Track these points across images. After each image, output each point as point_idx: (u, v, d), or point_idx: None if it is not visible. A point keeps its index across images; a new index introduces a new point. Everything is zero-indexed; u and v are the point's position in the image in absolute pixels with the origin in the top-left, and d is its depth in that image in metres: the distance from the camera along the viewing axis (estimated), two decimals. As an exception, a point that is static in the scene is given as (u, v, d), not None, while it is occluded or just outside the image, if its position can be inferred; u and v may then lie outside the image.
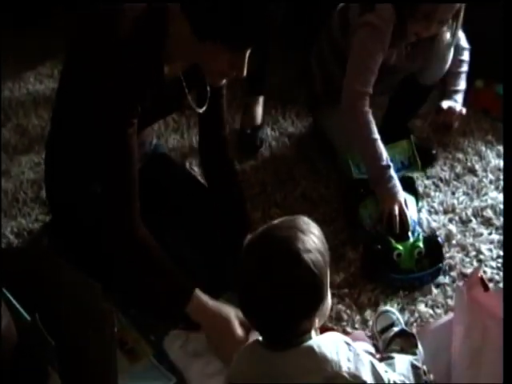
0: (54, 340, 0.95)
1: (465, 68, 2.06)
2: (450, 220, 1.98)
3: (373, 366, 1.13)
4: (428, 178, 2.14)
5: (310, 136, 2.32)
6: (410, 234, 1.77)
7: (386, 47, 1.84)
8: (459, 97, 2.02)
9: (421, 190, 2.09)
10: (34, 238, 1.84)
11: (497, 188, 2.08)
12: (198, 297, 1.41)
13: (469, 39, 2.08)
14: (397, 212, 1.78)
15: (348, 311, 1.68)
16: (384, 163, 1.82)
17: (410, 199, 1.91)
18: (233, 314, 1.42)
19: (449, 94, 2.01)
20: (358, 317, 1.67)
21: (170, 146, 2.27)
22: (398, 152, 1.98)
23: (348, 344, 1.12)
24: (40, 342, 0.94)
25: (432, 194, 2.08)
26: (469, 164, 2.19)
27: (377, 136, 1.83)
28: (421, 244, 1.74)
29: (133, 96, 1.32)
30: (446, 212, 2.01)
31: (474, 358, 1.37)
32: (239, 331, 1.40)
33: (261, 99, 2.34)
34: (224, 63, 1.33)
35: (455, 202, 2.04)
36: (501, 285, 1.74)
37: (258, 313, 1.10)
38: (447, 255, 1.85)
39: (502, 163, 2.18)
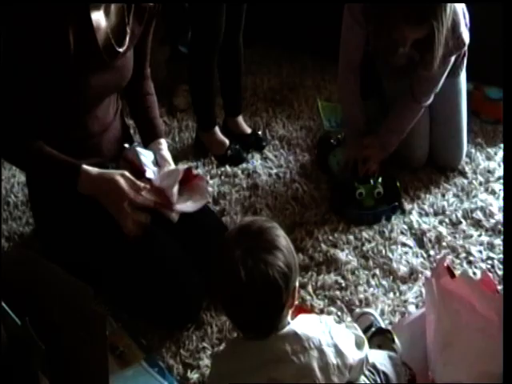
0: (45, 344, 0.95)
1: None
2: (441, 222, 1.99)
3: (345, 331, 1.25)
4: (419, 180, 2.15)
5: (300, 138, 2.34)
6: (371, 178, 2.02)
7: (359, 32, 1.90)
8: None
9: (411, 192, 2.10)
10: (25, 242, 1.84)
11: (486, 190, 2.10)
12: (85, 170, 1.51)
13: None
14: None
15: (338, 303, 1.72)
16: (357, 127, 2.08)
17: None
18: (116, 173, 1.52)
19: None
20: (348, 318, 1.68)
21: (162, 149, 2.27)
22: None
23: (321, 321, 1.22)
24: (30, 347, 0.94)
25: (422, 196, 2.10)
26: (459, 166, 2.20)
27: (355, 99, 2.05)
28: (380, 186, 2.00)
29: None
30: (436, 214, 2.03)
31: (447, 341, 1.44)
32: (124, 185, 1.50)
33: (240, 117, 2.35)
34: None
35: (445, 204, 2.06)
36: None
37: (233, 309, 1.16)
38: (438, 257, 1.86)
39: (491, 165, 2.19)
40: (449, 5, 1.71)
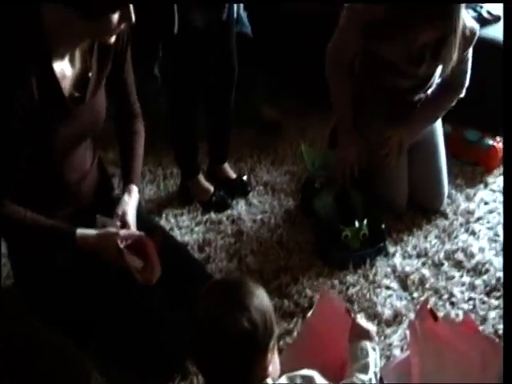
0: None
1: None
2: (423, 264, 2.02)
3: None
4: (402, 222, 2.19)
5: (285, 183, 2.38)
6: (356, 220, 2.06)
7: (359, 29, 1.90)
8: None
9: (394, 235, 2.13)
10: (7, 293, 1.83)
11: (467, 230, 2.14)
12: (81, 236, 1.49)
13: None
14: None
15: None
16: (348, 121, 2.09)
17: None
18: (110, 229, 1.52)
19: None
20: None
21: (146, 198, 2.30)
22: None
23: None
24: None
25: (405, 238, 2.13)
26: (440, 207, 2.24)
27: (347, 97, 2.07)
28: (365, 228, 2.03)
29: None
30: (419, 256, 2.06)
31: (431, 383, 1.47)
32: (113, 239, 1.50)
33: (225, 164, 2.39)
34: (110, 24, 1.36)
35: (428, 245, 2.09)
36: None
37: (197, 362, 1.18)
38: (421, 299, 1.88)
39: (471, 206, 2.24)
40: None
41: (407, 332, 1.76)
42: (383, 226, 2.09)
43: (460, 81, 2.08)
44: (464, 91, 2.11)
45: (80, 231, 1.49)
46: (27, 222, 1.46)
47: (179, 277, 1.67)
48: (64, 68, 1.46)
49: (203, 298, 1.16)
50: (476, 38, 1.97)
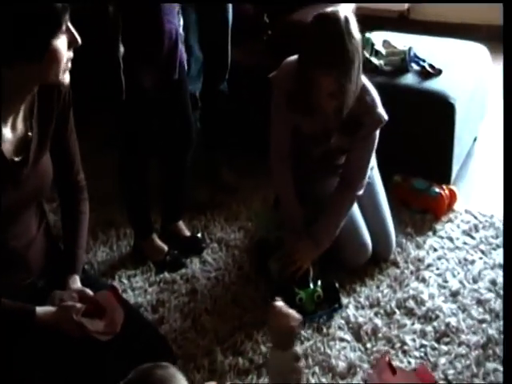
0: None
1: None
2: (376, 314, 2.04)
3: None
4: (354, 273, 2.22)
5: (238, 240, 2.39)
6: (311, 282, 2.06)
7: (284, 107, 1.98)
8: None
9: (347, 286, 2.15)
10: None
11: (417, 278, 2.17)
12: (39, 317, 1.48)
13: (389, 137, 2.14)
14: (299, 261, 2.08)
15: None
16: (296, 225, 2.11)
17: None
18: (66, 304, 1.51)
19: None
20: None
21: (99, 260, 2.30)
22: None
23: None
24: None
25: (358, 289, 2.15)
26: (391, 256, 2.28)
27: (293, 195, 2.12)
28: (319, 289, 2.04)
29: None
30: (371, 306, 2.08)
31: None
32: (69, 314, 1.49)
33: (180, 222, 2.40)
34: (60, 54, 1.37)
35: (380, 295, 2.11)
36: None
37: None
38: (374, 349, 1.90)
39: (420, 253, 2.28)
40: (356, 64, 1.84)
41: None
42: (337, 285, 2.09)
43: (358, 177, 2.07)
44: (362, 189, 2.08)
45: (39, 310, 1.47)
46: None
47: (130, 342, 1.65)
48: (6, 133, 1.44)
49: None
50: (382, 125, 2.00)
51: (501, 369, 1.80)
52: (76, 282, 1.65)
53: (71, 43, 1.42)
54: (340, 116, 1.94)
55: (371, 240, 2.21)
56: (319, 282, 2.06)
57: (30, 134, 1.49)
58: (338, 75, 1.82)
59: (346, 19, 1.81)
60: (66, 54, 1.41)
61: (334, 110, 1.92)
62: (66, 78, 1.46)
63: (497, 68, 3.21)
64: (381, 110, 2.00)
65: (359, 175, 2.07)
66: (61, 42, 1.39)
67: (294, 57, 1.98)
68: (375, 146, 2.06)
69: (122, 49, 2.02)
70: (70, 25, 1.41)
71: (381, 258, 2.26)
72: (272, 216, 2.32)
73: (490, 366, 1.82)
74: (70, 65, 1.46)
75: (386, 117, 2.00)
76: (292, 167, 2.13)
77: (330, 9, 1.87)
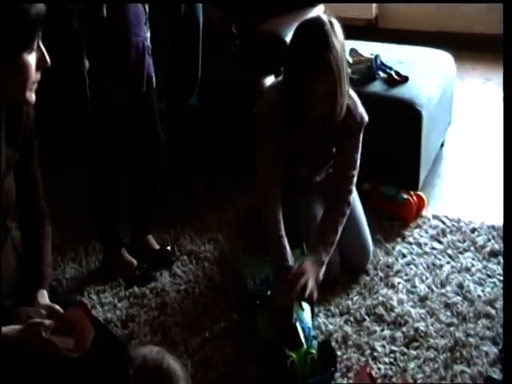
0: None
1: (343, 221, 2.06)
2: (346, 321, 2.05)
3: None
4: (323, 282, 2.22)
5: (208, 251, 2.39)
6: (303, 340, 1.82)
7: (273, 135, 1.98)
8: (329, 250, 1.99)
9: (316, 294, 2.15)
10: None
11: (386, 285, 2.18)
12: (5, 333, 1.44)
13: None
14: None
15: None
16: (286, 263, 1.94)
17: (306, 306, 1.96)
18: (34, 321, 1.47)
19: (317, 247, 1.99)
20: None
21: (67, 276, 2.28)
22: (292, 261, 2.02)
23: None
24: None
25: (328, 297, 2.15)
26: (366, 265, 2.26)
27: (281, 234, 1.96)
28: (314, 350, 1.80)
29: None
30: (341, 314, 2.08)
31: None
32: (37, 332, 1.46)
33: (149, 236, 2.39)
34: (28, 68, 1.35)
35: (350, 302, 2.12)
36: (394, 379, 1.81)
37: None
38: (344, 357, 1.90)
39: (389, 260, 2.29)
40: (343, 66, 1.86)
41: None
42: (333, 345, 1.91)
43: (345, 197, 2.05)
44: (349, 196, 2.06)
45: (5, 329, 1.45)
46: None
47: (100, 359, 1.64)
48: None
49: None
50: (364, 126, 2.03)
51: (468, 371, 1.82)
52: (44, 298, 1.63)
53: (40, 64, 1.40)
54: (334, 121, 1.93)
55: (347, 250, 2.18)
56: (314, 342, 1.86)
57: None
58: (330, 80, 1.83)
59: (331, 23, 1.85)
60: (34, 73, 1.39)
61: (327, 115, 1.92)
62: (32, 97, 1.44)
63: (461, 75, 3.27)
64: (362, 110, 2.04)
65: (347, 181, 2.05)
66: (31, 58, 1.37)
67: (272, 82, 2.01)
68: (359, 151, 2.05)
69: (87, 63, 2.02)
70: (41, 44, 1.39)
71: (357, 267, 2.24)
72: (259, 265, 2.09)
73: (458, 368, 1.84)
74: (36, 86, 1.43)
75: (366, 117, 2.03)
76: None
77: (311, 16, 1.88)
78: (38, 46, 1.39)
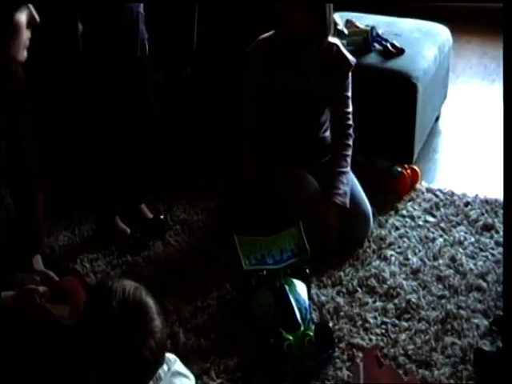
0: None
1: (349, 152, 2.26)
2: (338, 292, 2.06)
3: None
4: (315, 253, 2.22)
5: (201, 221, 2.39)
6: (300, 321, 1.80)
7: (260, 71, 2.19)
8: (346, 180, 2.20)
9: (311, 266, 2.15)
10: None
11: (379, 257, 2.19)
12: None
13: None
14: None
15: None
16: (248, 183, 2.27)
17: (302, 286, 1.95)
18: (28, 287, 1.51)
19: (334, 182, 2.18)
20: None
21: (60, 244, 2.27)
22: (288, 240, 2.00)
23: None
24: None
25: (321, 268, 2.16)
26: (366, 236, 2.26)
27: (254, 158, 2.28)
28: (311, 332, 1.77)
29: None
30: (334, 285, 2.09)
31: None
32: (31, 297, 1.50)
33: (143, 205, 2.38)
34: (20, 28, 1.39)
35: (342, 274, 2.13)
36: (385, 350, 1.82)
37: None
38: (336, 327, 1.91)
39: (383, 232, 2.30)
40: None
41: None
42: (330, 325, 1.90)
43: (347, 121, 2.27)
44: (351, 140, 2.27)
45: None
46: None
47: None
48: None
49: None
50: (352, 67, 2.23)
51: (458, 342, 1.84)
52: (39, 264, 1.64)
53: (30, 21, 1.43)
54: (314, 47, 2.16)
55: (349, 219, 2.17)
56: (311, 323, 1.86)
57: None
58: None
59: None
60: (25, 31, 1.43)
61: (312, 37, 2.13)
62: (23, 54, 1.48)
63: (458, 48, 3.25)
64: (349, 55, 2.23)
65: (348, 119, 2.25)
66: (22, 17, 1.41)
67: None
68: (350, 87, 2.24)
69: (80, 27, 2.00)
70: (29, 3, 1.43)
71: (359, 238, 2.23)
72: (256, 245, 1.99)
73: (448, 340, 1.85)
74: (28, 43, 1.47)
75: (354, 60, 2.23)
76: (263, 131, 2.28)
77: None
78: (27, 5, 1.43)
